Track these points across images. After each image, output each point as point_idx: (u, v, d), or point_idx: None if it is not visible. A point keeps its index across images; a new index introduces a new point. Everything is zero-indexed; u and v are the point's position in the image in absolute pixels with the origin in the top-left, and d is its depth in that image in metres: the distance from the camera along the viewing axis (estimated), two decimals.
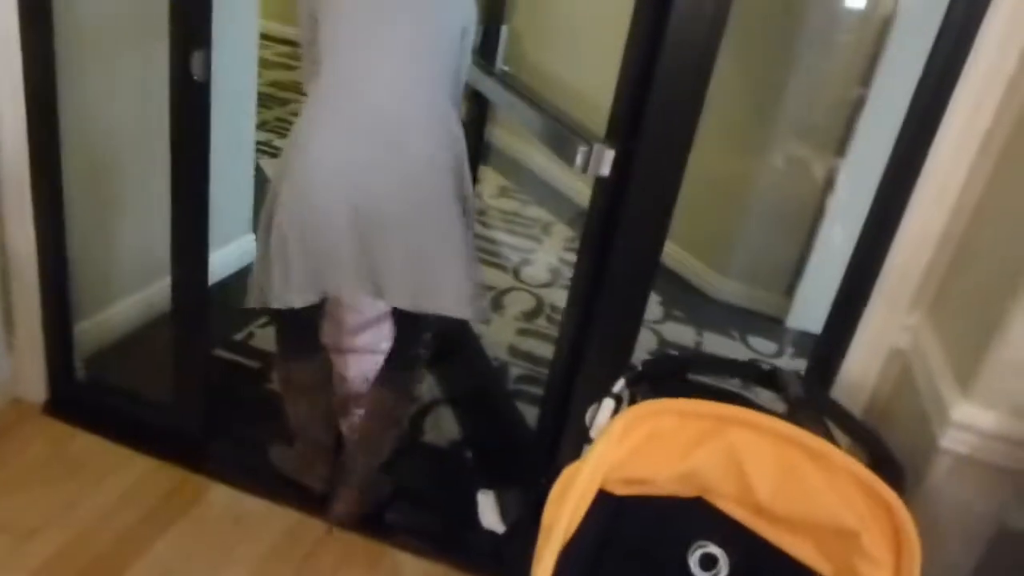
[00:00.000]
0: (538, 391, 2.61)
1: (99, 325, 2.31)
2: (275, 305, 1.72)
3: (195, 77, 1.67)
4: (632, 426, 1.01)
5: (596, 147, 1.50)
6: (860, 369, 1.47)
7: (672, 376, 1.26)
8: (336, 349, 2.10)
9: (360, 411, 2.06)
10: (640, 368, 1.24)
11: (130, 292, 2.42)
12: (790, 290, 3.32)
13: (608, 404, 1.19)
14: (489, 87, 2.11)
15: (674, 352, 2.88)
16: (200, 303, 1.98)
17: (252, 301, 1.77)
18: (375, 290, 1.71)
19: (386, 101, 1.63)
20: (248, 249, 3.03)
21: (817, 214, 3.18)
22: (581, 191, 3.88)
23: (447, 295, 1.72)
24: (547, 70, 2.39)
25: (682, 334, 3.14)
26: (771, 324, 3.31)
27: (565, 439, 1.68)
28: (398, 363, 1.96)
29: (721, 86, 1.34)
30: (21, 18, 1.77)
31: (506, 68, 2.19)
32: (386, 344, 2.03)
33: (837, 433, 1.21)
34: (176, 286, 1.96)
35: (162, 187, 1.85)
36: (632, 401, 1.19)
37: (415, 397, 2.00)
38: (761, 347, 3.16)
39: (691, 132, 1.44)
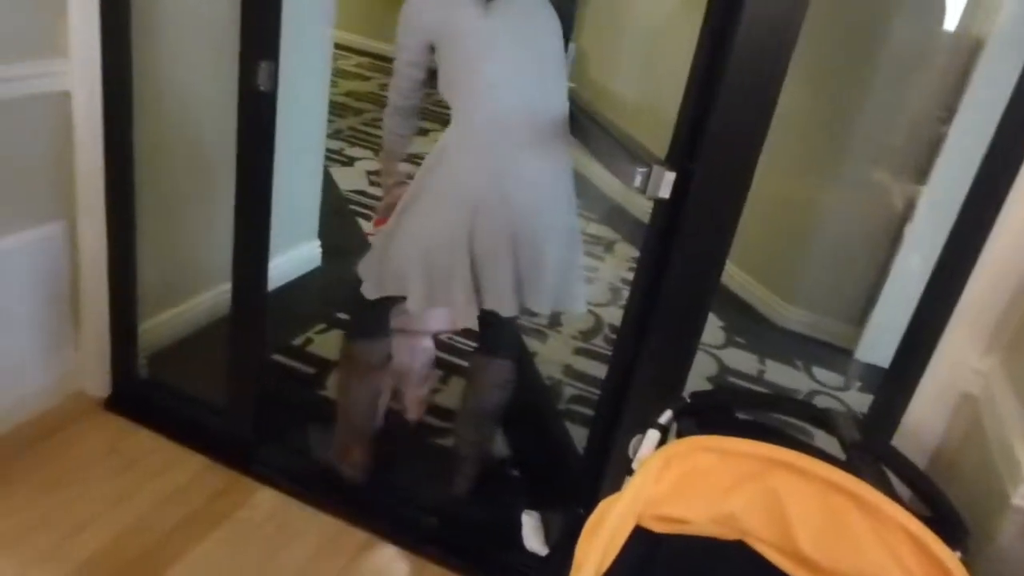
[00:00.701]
0: (591, 412, 2.57)
1: (163, 325, 2.37)
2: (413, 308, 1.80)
3: (260, 87, 1.70)
4: (671, 462, 0.96)
5: (656, 169, 1.46)
6: (926, 414, 1.38)
7: (721, 410, 1.21)
8: (407, 331, 2.15)
9: (422, 391, 2.23)
10: (688, 400, 1.19)
11: (194, 294, 2.48)
12: (861, 321, 3.19)
13: (653, 436, 1.15)
14: None
15: (726, 386, 2.78)
16: (257, 310, 2.01)
17: (371, 292, 1.84)
18: (521, 302, 1.79)
19: (524, 118, 1.72)
20: (311, 255, 3.08)
21: (894, 242, 3.06)
22: (646, 209, 3.84)
23: (577, 294, 1.89)
24: (613, 88, 2.35)
25: (744, 361, 3.05)
26: (839, 355, 3.19)
27: (610, 465, 1.64)
28: (498, 350, 2.03)
29: (795, 108, 1.30)
30: (103, 18, 1.84)
31: (572, 85, 2.16)
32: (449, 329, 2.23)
33: (897, 484, 1.14)
34: (235, 291, 1.99)
35: (229, 192, 1.89)
36: (679, 434, 1.14)
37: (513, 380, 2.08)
38: (826, 379, 3.04)
39: (754, 156, 1.39)
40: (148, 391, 2.24)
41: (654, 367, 1.58)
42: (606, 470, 1.67)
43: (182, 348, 2.42)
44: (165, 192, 2.26)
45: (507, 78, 1.70)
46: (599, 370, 2.79)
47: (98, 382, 2.20)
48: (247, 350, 2.05)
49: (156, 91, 2.06)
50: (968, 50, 2.79)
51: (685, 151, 1.45)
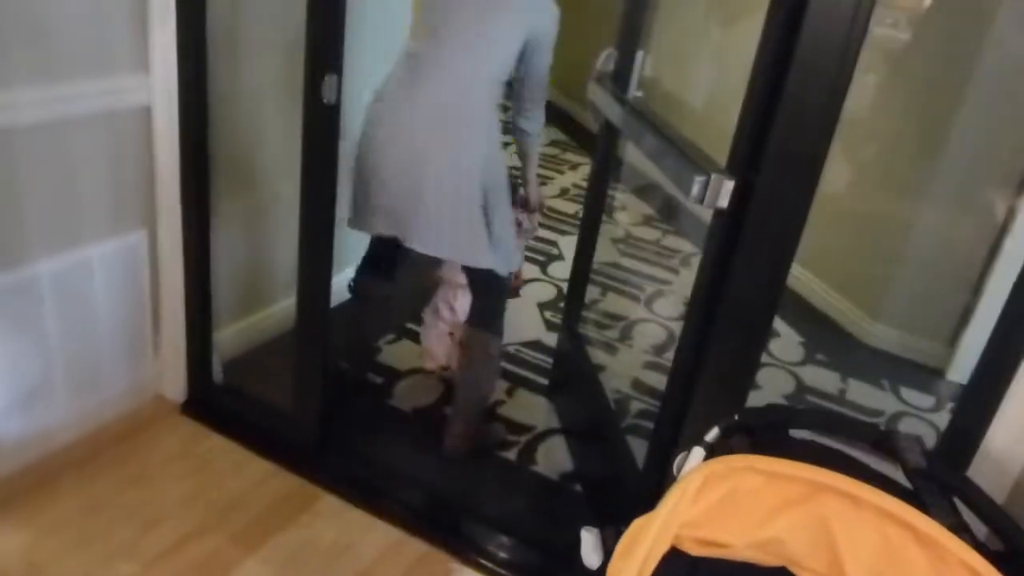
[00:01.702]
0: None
1: (238, 334, 2.45)
2: (350, 226, 2.07)
3: (325, 100, 1.74)
4: (710, 482, 0.92)
5: (714, 177, 1.41)
6: (1007, 440, 1.27)
7: (775, 429, 1.15)
8: (451, 283, 2.34)
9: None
10: (737, 418, 1.14)
11: (267, 304, 2.55)
12: (953, 339, 3.01)
13: (698, 453, 1.10)
14: (617, 114, 2.06)
15: (780, 405, 2.64)
16: (321, 322, 2.05)
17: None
18: (403, 237, 2.00)
19: (450, 92, 1.90)
20: None
21: (989, 258, 2.87)
22: None
23: (477, 252, 1.99)
24: (680, 97, 2.30)
25: (824, 379, 2.92)
26: (929, 376, 3.01)
27: (667, 482, 1.58)
28: (475, 322, 2.24)
29: (891, 119, 1.23)
30: (180, 34, 1.92)
31: (639, 94, 2.13)
32: None
33: (969, 517, 1.05)
34: (300, 303, 2.04)
35: (296, 205, 1.94)
36: (726, 453, 1.09)
37: (502, 344, 2.30)
38: (916, 400, 2.87)
39: (817, 165, 1.33)
40: (222, 397, 2.31)
41: (714, 383, 1.53)
42: (664, 487, 1.62)
43: (255, 357, 2.49)
44: (239, 204, 2.34)
45: (449, 50, 1.91)
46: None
47: (175, 387, 2.28)
48: (312, 360, 2.09)
49: (230, 105, 2.14)
50: None
51: (746, 159, 1.40)
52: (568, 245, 3.74)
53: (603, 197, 2.33)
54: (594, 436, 2.41)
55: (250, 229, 2.43)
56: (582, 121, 5.73)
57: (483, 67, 1.91)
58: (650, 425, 2.50)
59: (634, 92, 2.13)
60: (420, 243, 1.98)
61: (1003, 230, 2.85)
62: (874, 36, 2.63)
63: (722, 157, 1.53)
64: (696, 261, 3.74)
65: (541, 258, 3.51)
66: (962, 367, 2.98)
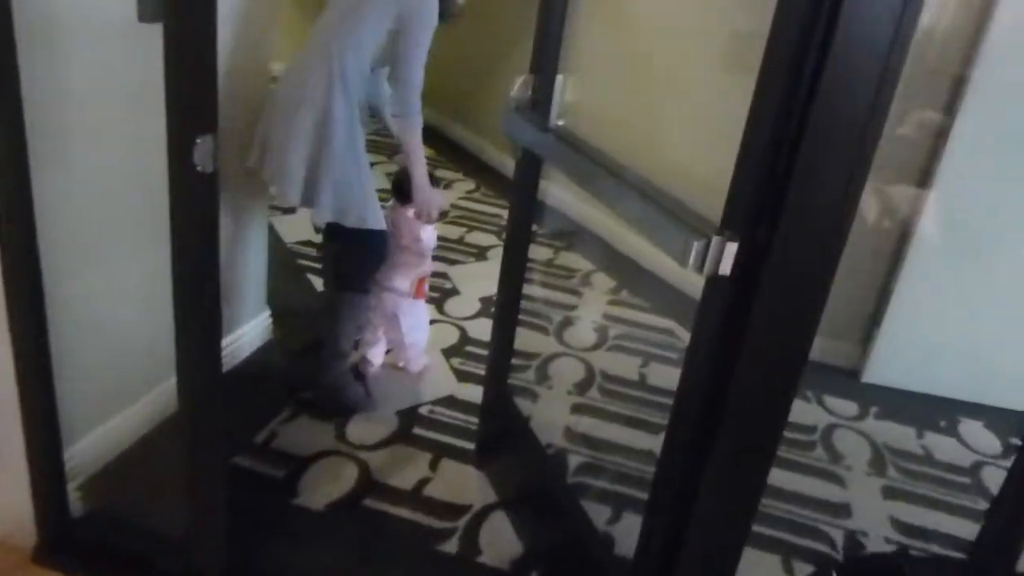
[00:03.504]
0: (605, 485, 2.28)
1: (95, 445, 1.98)
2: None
3: (199, 168, 1.35)
4: None
5: (715, 240, 1.17)
6: None
7: None
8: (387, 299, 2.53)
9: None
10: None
11: (129, 401, 2.09)
12: (866, 340, 2.99)
13: None
14: (543, 144, 1.79)
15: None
16: (211, 411, 1.65)
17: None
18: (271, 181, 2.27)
19: (320, 53, 2.15)
20: (260, 329, 2.71)
21: (897, 254, 2.85)
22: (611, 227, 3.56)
23: (322, 198, 2.15)
24: (612, 122, 2.06)
25: None
26: (846, 379, 2.98)
27: None
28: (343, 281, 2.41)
29: None
30: None
31: (560, 123, 1.87)
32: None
33: None
34: (183, 392, 1.62)
35: (158, 273, 1.52)
36: None
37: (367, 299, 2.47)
38: (839, 408, 2.81)
39: (849, 212, 1.11)
40: (85, 531, 1.84)
41: (709, 506, 1.28)
42: None
43: (126, 465, 2.03)
44: (83, 280, 1.86)
45: (329, 23, 2.20)
46: (604, 430, 2.50)
47: (22, 529, 1.79)
48: (207, 464, 1.67)
49: (65, 173, 1.68)
50: (963, 45, 2.59)
51: (751, 214, 1.17)
52: (462, 277, 3.44)
53: (527, 238, 2.06)
54: (541, 504, 2.14)
55: (100, 311, 1.95)
56: (452, 135, 5.47)
57: (348, 34, 2.14)
58: (596, 483, 2.28)
59: (555, 121, 1.88)
60: (275, 183, 2.23)
61: (907, 225, 2.83)
62: None
63: (676, 189, 1.33)
64: (597, 279, 3.60)
65: (435, 294, 3.18)
66: (876, 369, 2.96)
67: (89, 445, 1.95)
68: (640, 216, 1.34)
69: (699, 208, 1.29)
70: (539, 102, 1.85)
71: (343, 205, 2.18)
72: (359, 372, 2.55)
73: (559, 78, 1.83)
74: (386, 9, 2.14)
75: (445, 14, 2.21)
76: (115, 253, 1.92)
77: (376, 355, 2.61)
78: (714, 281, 1.22)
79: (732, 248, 1.17)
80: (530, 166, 1.97)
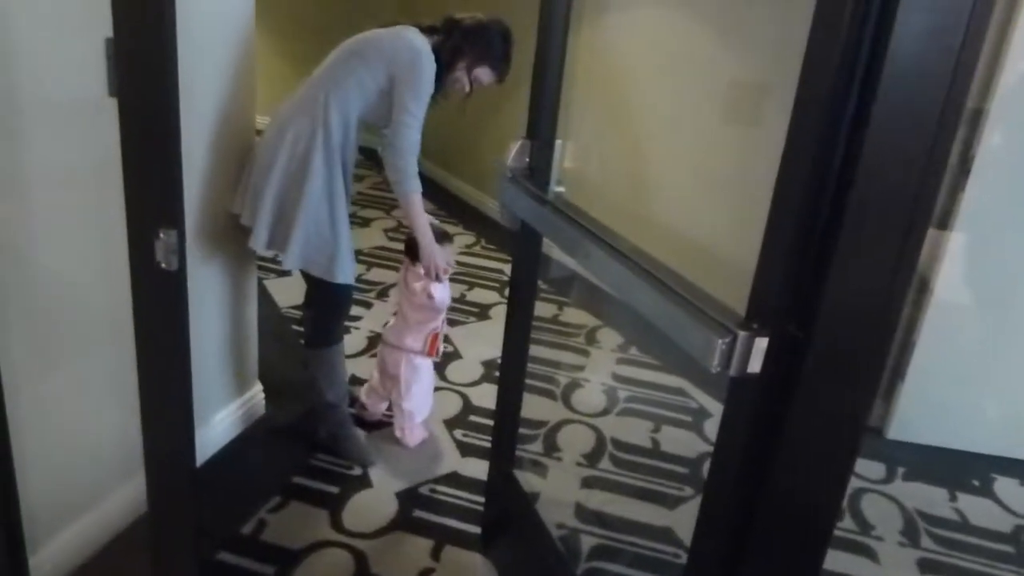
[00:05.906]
0: (621, 571, 2.11)
1: (63, 549, 1.82)
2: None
3: (163, 265, 1.21)
4: None
5: (742, 336, 1.03)
6: None
7: None
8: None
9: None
10: None
11: (98, 499, 1.93)
12: (888, 394, 2.83)
13: None
14: (543, 219, 1.66)
15: None
16: (183, 509, 1.50)
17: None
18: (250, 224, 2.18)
19: (306, 103, 2.15)
20: (252, 407, 2.55)
21: (917, 304, 2.71)
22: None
23: (291, 246, 2.12)
24: (613, 191, 1.94)
25: None
26: (869, 436, 2.81)
27: None
28: (312, 337, 2.41)
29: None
30: None
31: (560, 190, 1.74)
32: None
33: None
34: (152, 489, 1.47)
35: (129, 364, 1.38)
36: None
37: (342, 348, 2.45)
38: (865, 470, 2.64)
39: (900, 296, 0.97)
40: None
41: None
42: None
43: (94, 572, 1.86)
44: (46, 390, 1.71)
45: (320, 75, 2.19)
46: (618, 505, 2.34)
47: None
48: (177, 567, 1.52)
49: (22, 267, 1.55)
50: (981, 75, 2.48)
51: (780, 305, 1.03)
52: (464, 338, 3.30)
53: (530, 315, 1.91)
54: None
55: (71, 407, 1.81)
56: (450, 187, 5.40)
57: (337, 87, 2.13)
58: (612, 568, 2.11)
59: (554, 188, 1.75)
60: (248, 223, 2.17)
61: (927, 272, 2.70)
62: None
63: (692, 268, 1.20)
64: (603, 335, 3.44)
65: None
66: (901, 425, 2.80)
67: (58, 549, 1.79)
68: (654, 311, 1.20)
69: (720, 294, 1.16)
70: (537, 170, 1.72)
71: (311, 256, 2.16)
72: (361, 420, 2.62)
73: (558, 143, 1.71)
74: (378, 67, 2.13)
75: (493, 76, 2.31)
76: (79, 347, 1.77)
77: (374, 403, 2.64)
78: (742, 380, 1.08)
79: (762, 344, 1.03)
80: (530, 240, 1.84)
